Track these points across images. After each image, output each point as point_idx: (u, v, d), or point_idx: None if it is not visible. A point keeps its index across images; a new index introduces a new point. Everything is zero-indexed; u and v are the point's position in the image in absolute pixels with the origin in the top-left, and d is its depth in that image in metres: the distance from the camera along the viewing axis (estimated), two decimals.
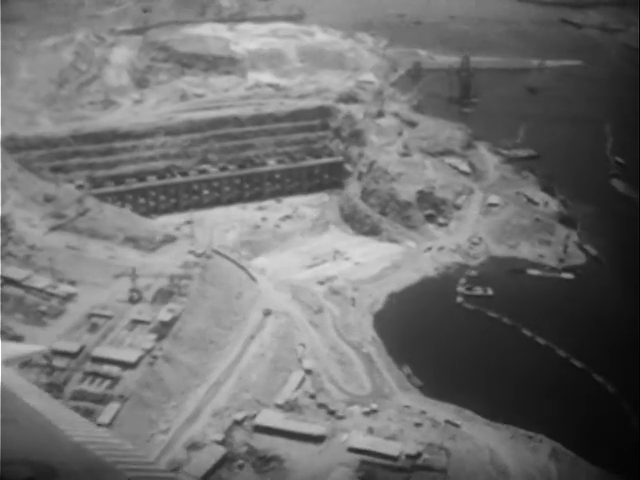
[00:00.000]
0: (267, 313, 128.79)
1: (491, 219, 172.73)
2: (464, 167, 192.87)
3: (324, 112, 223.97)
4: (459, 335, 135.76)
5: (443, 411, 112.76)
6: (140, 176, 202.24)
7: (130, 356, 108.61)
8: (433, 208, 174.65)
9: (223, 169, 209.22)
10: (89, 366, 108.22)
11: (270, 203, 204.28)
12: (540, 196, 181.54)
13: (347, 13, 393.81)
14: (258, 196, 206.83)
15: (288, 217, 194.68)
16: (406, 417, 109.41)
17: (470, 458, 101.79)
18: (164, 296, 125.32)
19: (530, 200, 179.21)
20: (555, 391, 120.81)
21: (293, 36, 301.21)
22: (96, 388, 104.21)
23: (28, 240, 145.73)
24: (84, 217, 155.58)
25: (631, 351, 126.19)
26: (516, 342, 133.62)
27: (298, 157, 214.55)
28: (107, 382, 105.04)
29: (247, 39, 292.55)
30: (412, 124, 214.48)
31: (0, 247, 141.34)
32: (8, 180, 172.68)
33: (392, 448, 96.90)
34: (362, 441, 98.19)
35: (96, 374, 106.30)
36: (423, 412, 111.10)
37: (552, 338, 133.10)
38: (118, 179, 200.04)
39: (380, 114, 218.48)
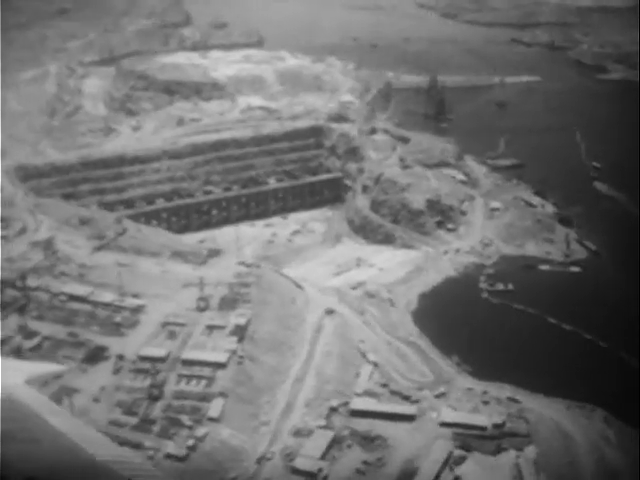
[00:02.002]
0: (330, 312, 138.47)
1: (496, 222, 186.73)
2: (461, 176, 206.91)
3: (317, 131, 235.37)
4: (492, 326, 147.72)
5: (501, 390, 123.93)
6: (149, 199, 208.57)
7: (220, 357, 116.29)
8: (441, 215, 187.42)
9: (227, 189, 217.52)
10: (180, 368, 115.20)
11: (276, 220, 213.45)
12: (535, 200, 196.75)
13: (304, 38, 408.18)
14: (264, 214, 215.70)
15: (298, 232, 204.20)
16: (472, 397, 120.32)
17: (540, 427, 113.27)
18: (229, 303, 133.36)
19: (528, 203, 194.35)
20: (588, 369, 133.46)
21: (266, 61, 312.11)
22: (194, 387, 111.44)
23: (76, 260, 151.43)
24: (124, 237, 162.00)
25: None
26: (545, 329, 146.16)
27: (297, 175, 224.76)
28: (203, 382, 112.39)
29: (223, 65, 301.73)
30: (403, 139, 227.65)
31: (49, 267, 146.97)
32: (35, 207, 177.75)
33: (480, 420, 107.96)
34: (453, 416, 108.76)
35: (190, 375, 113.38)
36: (485, 392, 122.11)
37: (575, 324, 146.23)
38: (128, 203, 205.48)
39: (373, 131, 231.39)
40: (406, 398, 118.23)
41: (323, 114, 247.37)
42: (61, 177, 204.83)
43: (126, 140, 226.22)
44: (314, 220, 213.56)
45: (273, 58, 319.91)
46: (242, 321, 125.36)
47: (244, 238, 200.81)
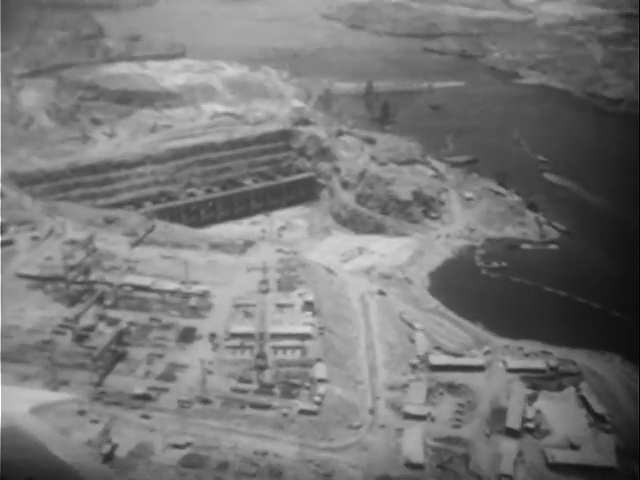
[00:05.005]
0: (381, 293, 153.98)
1: (473, 210, 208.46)
2: (430, 171, 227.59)
3: (286, 135, 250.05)
4: (499, 296, 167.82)
5: (532, 345, 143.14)
6: (137, 202, 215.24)
7: (305, 329, 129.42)
8: (424, 205, 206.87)
9: (208, 191, 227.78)
10: (271, 342, 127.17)
11: (260, 218, 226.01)
12: (501, 189, 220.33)
13: (224, 49, 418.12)
14: (246, 213, 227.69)
15: (284, 228, 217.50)
16: (513, 352, 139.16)
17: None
18: (286, 285, 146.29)
19: (497, 193, 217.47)
20: (589, 325, 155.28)
21: (208, 71, 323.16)
22: (292, 356, 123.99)
23: (119, 255, 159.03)
24: (154, 232, 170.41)
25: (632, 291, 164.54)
26: (544, 296, 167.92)
27: (271, 176, 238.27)
28: (297, 351, 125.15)
29: (169, 75, 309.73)
30: (369, 140, 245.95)
31: (96, 263, 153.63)
32: (49, 209, 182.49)
33: (539, 363, 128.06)
34: (516, 363, 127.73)
35: (284, 347, 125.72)
36: (521, 348, 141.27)
37: (567, 290, 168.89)
38: (118, 207, 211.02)
39: (340, 133, 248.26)
40: (459, 356, 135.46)
41: (284, 118, 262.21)
42: (52, 183, 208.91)
43: (105, 147, 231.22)
44: (294, 217, 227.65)
45: (213, 67, 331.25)
46: (311, 298, 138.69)
47: (236, 237, 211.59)
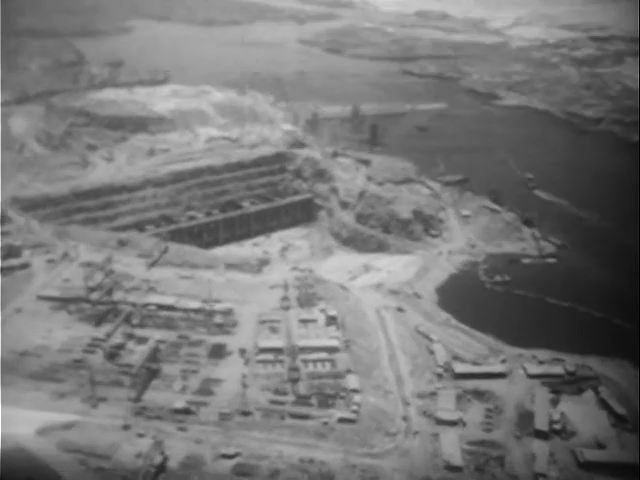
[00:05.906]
0: (400, 309, 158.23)
1: (472, 227, 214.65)
2: (426, 190, 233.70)
3: (281, 157, 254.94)
4: (505, 308, 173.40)
5: (544, 353, 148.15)
6: (139, 226, 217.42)
7: (333, 342, 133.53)
8: (424, 223, 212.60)
9: (208, 214, 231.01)
10: (301, 355, 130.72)
11: (260, 239, 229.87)
12: (496, 207, 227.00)
13: (207, 73, 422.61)
14: (247, 234, 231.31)
15: (286, 248, 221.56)
16: (527, 360, 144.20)
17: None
18: (306, 301, 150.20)
19: (493, 210, 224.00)
20: (594, 333, 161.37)
21: (196, 96, 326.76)
22: (322, 368, 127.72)
23: (137, 276, 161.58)
24: (169, 254, 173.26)
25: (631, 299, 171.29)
26: (548, 307, 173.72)
27: (268, 198, 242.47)
28: (327, 364, 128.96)
29: (160, 100, 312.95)
30: (363, 161, 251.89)
31: (115, 284, 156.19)
32: (59, 233, 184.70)
33: (557, 369, 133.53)
34: (536, 369, 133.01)
35: (314, 360, 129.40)
36: (534, 356, 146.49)
37: (569, 301, 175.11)
38: (120, 230, 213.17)
39: (335, 154, 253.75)
40: (477, 365, 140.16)
41: (278, 141, 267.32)
42: (55, 208, 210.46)
43: (105, 171, 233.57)
44: (294, 238, 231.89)
45: (200, 92, 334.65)
46: (334, 313, 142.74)
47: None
